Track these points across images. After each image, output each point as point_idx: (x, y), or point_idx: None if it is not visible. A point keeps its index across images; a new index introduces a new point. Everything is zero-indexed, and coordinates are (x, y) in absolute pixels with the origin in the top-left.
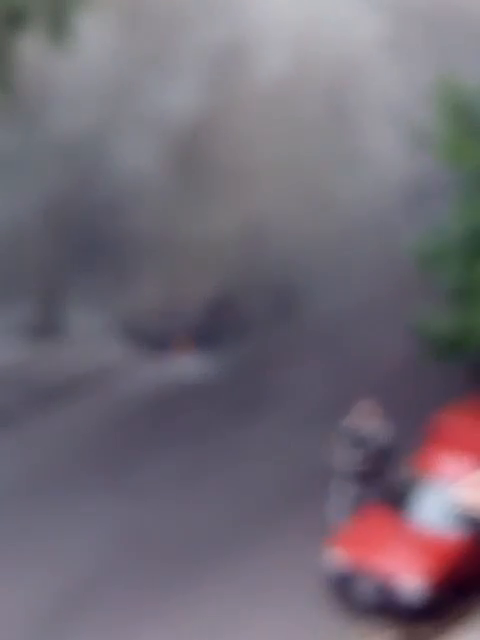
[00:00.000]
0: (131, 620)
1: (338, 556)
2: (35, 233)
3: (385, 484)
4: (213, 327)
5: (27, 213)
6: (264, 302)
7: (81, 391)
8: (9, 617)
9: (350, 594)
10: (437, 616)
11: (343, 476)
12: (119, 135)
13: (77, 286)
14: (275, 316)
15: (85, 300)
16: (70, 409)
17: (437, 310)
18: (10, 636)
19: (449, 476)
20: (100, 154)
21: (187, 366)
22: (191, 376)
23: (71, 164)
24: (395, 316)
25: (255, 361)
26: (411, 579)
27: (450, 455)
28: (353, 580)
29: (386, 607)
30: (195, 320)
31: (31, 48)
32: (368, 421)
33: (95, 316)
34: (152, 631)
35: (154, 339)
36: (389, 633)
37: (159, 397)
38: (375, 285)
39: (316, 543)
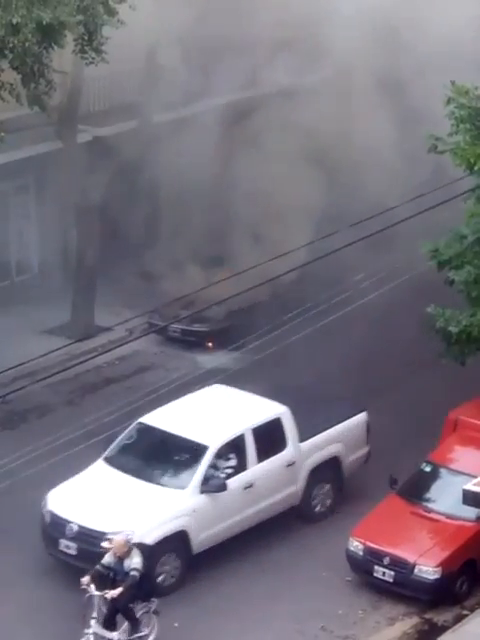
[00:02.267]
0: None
1: (360, 544)
2: (70, 234)
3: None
4: (240, 325)
5: (65, 215)
6: (300, 297)
7: (114, 387)
8: None
9: (372, 580)
10: (453, 601)
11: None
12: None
13: (110, 286)
14: (307, 311)
15: (118, 300)
16: (104, 403)
17: (454, 308)
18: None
19: (466, 469)
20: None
21: (214, 363)
22: (217, 373)
23: (110, 164)
24: (416, 313)
25: (279, 358)
26: (428, 565)
27: (467, 448)
28: (374, 567)
29: (405, 593)
30: (223, 318)
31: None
32: (124, 554)
33: (127, 315)
34: (182, 611)
35: (183, 337)
36: (409, 621)
37: (183, 390)
38: (399, 281)
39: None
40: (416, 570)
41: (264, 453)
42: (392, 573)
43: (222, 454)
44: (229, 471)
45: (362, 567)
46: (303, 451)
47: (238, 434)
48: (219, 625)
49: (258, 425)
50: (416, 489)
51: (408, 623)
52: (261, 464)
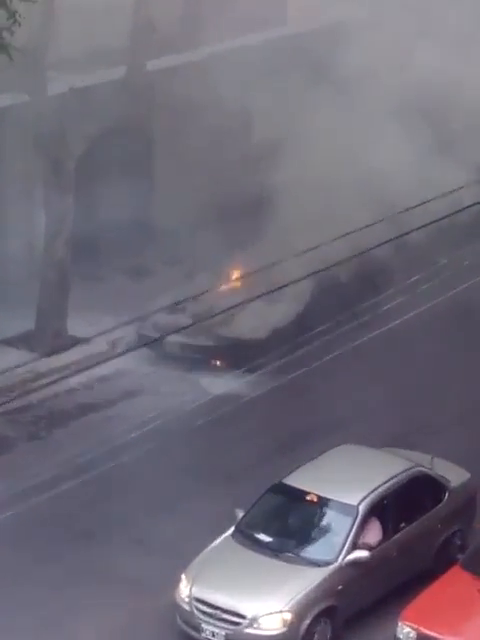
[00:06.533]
0: None
1: (411, 630)
2: (36, 216)
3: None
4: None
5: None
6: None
7: (91, 416)
8: None
9: None
10: None
11: None
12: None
13: (87, 286)
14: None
15: (98, 304)
16: (77, 439)
17: None
18: None
19: None
20: None
21: (223, 388)
22: (222, 398)
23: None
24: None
25: (304, 383)
26: None
27: None
28: None
29: None
30: (228, 334)
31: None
32: None
33: (110, 324)
34: None
35: (183, 353)
36: None
37: (182, 422)
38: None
39: None
40: None
41: None
42: None
43: None
44: None
45: None
46: None
47: None
48: None
49: None
50: None
51: None
52: None
